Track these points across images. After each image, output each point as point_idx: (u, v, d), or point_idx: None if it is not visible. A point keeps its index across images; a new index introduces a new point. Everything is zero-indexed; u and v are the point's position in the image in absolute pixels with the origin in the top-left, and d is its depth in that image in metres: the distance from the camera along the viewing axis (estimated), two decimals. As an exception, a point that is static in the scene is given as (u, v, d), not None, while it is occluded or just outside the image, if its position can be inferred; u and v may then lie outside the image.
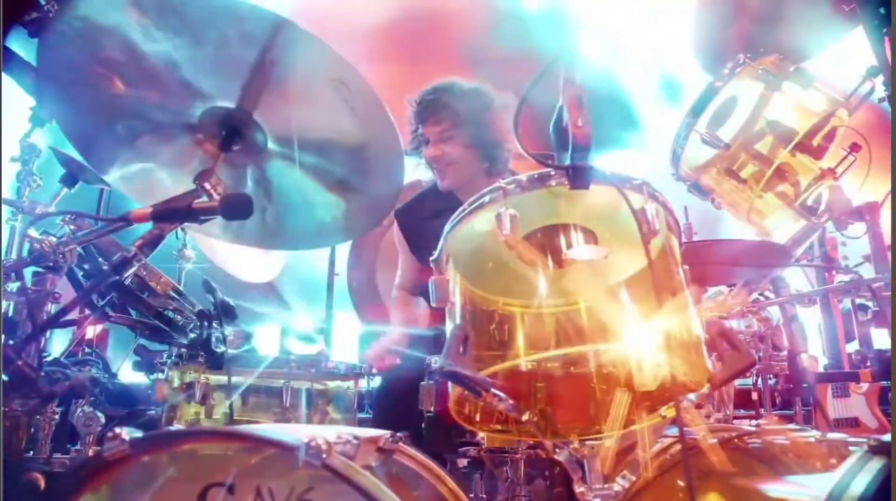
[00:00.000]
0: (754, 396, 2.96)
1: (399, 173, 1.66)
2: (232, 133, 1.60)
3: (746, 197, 1.88)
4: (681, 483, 1.43)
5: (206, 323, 1.80)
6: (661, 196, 1.27)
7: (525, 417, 1.24)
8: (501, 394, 1.17)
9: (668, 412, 1.23)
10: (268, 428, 1.30)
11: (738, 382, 2.95)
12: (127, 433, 1.03)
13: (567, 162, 1.19)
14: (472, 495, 1.94)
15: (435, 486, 1.45)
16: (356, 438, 1.13)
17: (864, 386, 3.46)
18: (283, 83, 1.52)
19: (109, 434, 1.02)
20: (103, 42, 1.42)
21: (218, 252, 2.89)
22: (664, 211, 1.26)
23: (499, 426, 1.46)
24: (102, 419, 1.80)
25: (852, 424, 3.47)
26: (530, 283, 1.27)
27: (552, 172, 1.22)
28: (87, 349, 2.88)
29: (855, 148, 1.79)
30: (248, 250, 2.73)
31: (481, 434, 1.69)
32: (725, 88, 1.81)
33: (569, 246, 1.26)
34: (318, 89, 1.52)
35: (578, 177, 1.18)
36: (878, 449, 1.04)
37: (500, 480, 1.79)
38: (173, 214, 1.34)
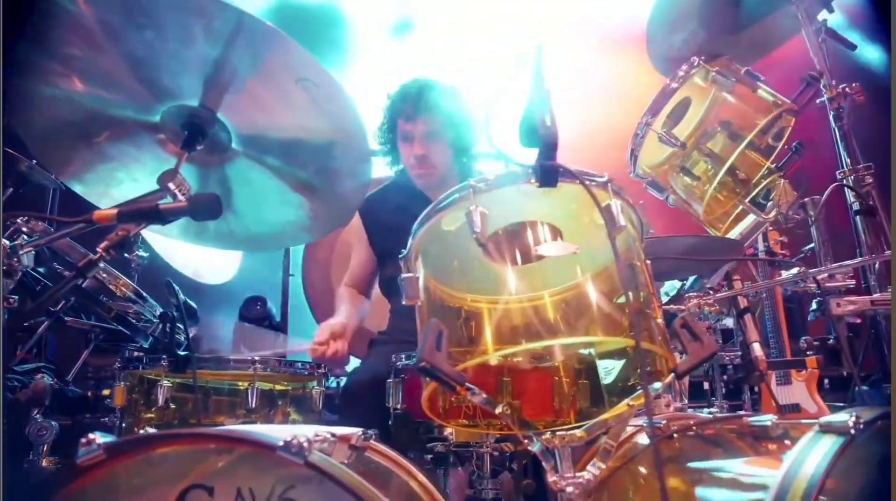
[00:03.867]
0: (706, 386, 3.08)
1: (366, 173, 1.66)
2: (195, 132, 1.57)
3: (699, 194, 1.96)
4: (642, 469, 1.49)
5: (168, 325, 1.76)
6: (625, 193, 1.31)
7: (499, 410, 1.26)
8: (476, 389, 1.20)
9: (634, 401, 1.27)
10: (245, 429, 1.29)
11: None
12: (100, 437, 1.01)
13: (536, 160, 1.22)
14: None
15: (406, 481, 1.46)
16: (333, 435, 1.14)
17: (805, 374, 3.64)
18: (249, 81, 1.51)
19: (82, 440, 1.00)
20: (61, 38, 1.38)
21: (172, 252, 2.82)
22: (628, 207, 1.31)
23: (465, 421, 1.48)
24: (56, 429, 1.74)
25: (795, 409, 3.65)
26: (497, 279, 1.30)
27: (520, 171, 1.25)
28: (37, 355, 2.77)
29: (800, 147, 1.89)
30: (204, 251, 2.67)
31: (449, 430, 1.71)
32: (680, 90, 1.88)
33: (537, 243, 1.28)
34: (285, 87, 1.50)
35: (546, 175, 1.21)
36: (827, 429, 1.11)
37: (467, 474, 1.82)
38: (140, 215, 1.31)
